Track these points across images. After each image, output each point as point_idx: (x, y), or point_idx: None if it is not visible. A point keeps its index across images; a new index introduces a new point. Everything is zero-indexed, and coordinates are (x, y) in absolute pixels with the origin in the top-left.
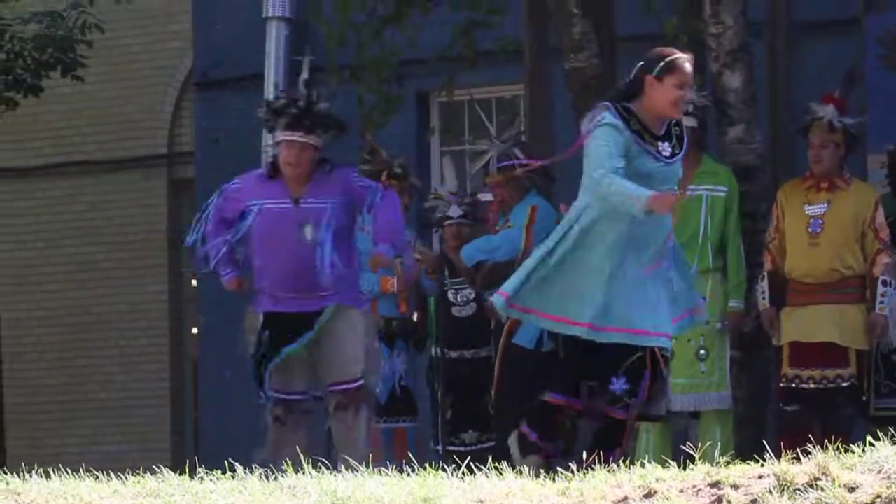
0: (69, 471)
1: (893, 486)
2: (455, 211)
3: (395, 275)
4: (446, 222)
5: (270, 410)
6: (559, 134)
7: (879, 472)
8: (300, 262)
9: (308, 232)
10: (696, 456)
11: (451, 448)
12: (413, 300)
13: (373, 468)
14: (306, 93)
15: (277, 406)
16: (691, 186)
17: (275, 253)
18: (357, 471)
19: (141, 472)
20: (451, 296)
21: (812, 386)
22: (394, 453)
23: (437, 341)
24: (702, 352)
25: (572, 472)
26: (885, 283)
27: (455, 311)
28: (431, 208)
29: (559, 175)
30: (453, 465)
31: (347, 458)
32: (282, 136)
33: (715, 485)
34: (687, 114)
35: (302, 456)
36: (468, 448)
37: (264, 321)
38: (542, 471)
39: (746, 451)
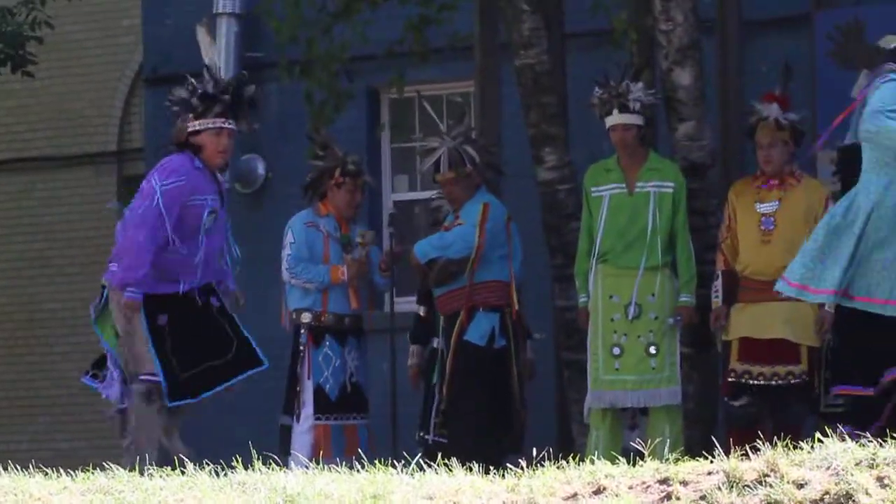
0: (19, 468)
1: (842, 482)
2: None
3: (345, 263)
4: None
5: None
6: (508, 130)
7: (828, 468)
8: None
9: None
10: (646, 452)
11: (438, 440)
12: (365, 297)
13: (323, 464)
14: (236, 79)
15: None
16: (639, 183)
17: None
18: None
19: (91, 469)
20: None
21: (762, 382)
22: (345, 450)
23: (440, 334)
24: (652, 348)
25: (522, 468)
26: None
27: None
28: (436, 207)
29: (506, 171)
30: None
31: None
32: (218, 122)
33: (664, 481)
34: (634, 111)
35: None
36: None
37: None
38: None
39: (696, 447)
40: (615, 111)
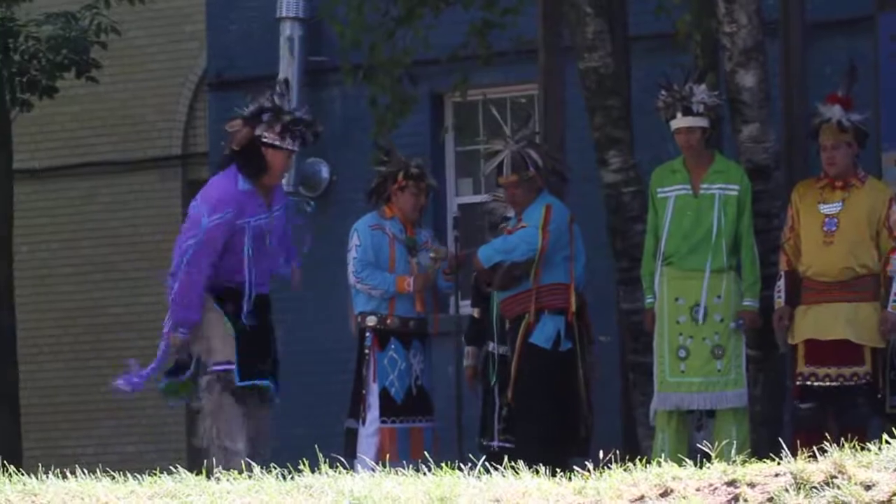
0: (85, 472)
1: None
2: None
3: (411, 274)
4: (503, 223)
5: None
6: (572, 133)
7: None
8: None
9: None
10: (713, 454)
11: (506, 445)
12: (430, 300)
13: (389, 467)
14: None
15: None
16: (704, 185)
17: (258, 259)
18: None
19: (157, 472)
20: None
21: (827, 383)
22: (410, 453)
23: (497, 338)
24: (717, 350)
25: (588, 471)
26: None
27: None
28: (490, 209)
29: (570, 174)
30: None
31: None
32: (291, 145)
33: (731, 483)
34: (698, 114)
35: None
36: None
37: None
38: None
39: (763, 449)
40: (679, 114)
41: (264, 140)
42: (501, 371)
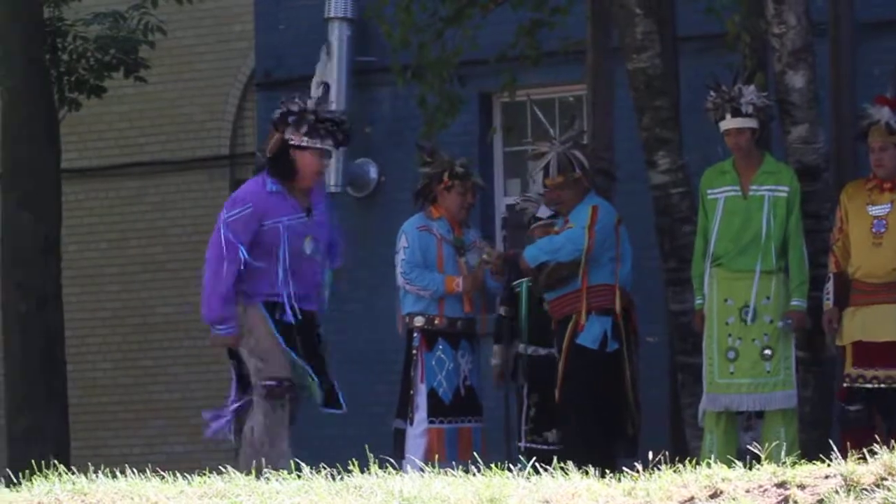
0: (134, 471)
1: None
2: (544, 211)
3: (460, 275)
4: (535, 223)
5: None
6: (620, 134)
7: None
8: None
9: (308, 245)
10: (762, 456)
11: (533, 446)
12: (478, 300)
13: (438, 468)
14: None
15: None
16: (753, 186)
17: (297, 264)
18: None
19: (206, 472)
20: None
21: (875, 385)
22: (459, 453)
23: (526, 338)
24: (766, 351)
25: (638, 471)
26: None
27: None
28: (521, 210)
29: (618, 175)
30: (519, 465)
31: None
32: (327, 144)
33: (781, 485)
34: (747, 115)
35: None
36: (550, 447)
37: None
38: None
39: (811, 450)
40: (728, 115)
41: (291, 143)
42: (530, 371)
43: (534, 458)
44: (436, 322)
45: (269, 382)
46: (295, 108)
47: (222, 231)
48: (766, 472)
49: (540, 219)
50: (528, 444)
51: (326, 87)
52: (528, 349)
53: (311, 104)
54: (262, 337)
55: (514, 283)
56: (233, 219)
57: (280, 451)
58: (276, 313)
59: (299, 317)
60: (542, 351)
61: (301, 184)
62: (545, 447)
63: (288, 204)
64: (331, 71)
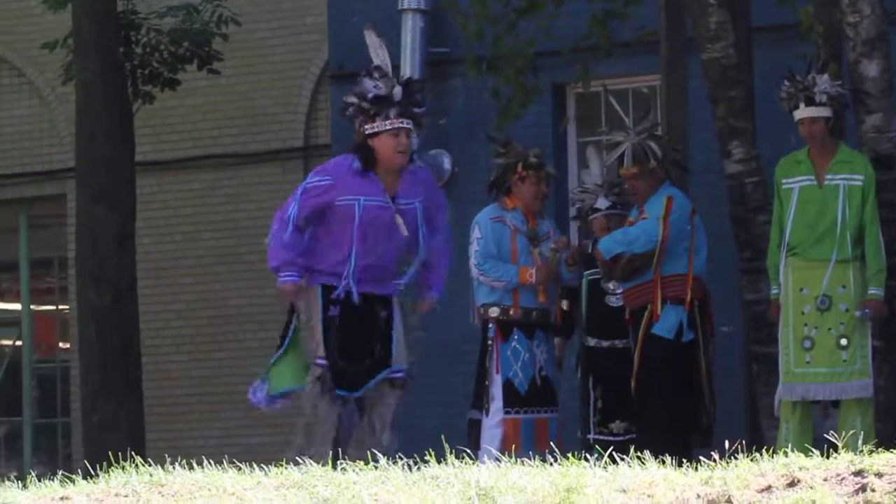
0: (211, 462)
1: None
2: (602, 202)
3: (534, 266)
4: (594, 214)
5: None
6: (694, 124)
7: None
8: (389, 255)
9: (402, 226)
10: (839, 444)
11: (599, 437)
12: (553, 290)
13: (515, 458)
14: (404, 79)
15: None
16: (828, 175)
17: (370, 246)
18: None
19: (284, 463)
20: (605, 285)
21: None
22: (535, 443)
23: (588, 331)
24: (843, 340)
25: (714, 461)
26: None
27: (609, 300)
28: (579, 200)
29: (692, 165)
30: (596, 455)
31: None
32: (395, 123)
33: (859, 473)
34: (821, 104)
35: None
36: (616, 438)
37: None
38: None
39: (887, 439)
40: (802, 104)
41: (366, 131)
42: (593, 364)
43: (611, 448)
44: (511, 313)
45: (320, 361)
46: (351, 99)
47: (298, 193)
48: (843, 461)
49: (599, 210)
50: (596, 436)
51: (377, 70)
52: (591, 341)
53: (369, 86)
54: (314, 318)
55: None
56: (310, 185)
57: (320, 452)
58: (332, 295)
59: (355, 298)
60: (605, 343)
61: (386, 167)
62: (611, 438)
63: (371, 185)
64: (404, 63)
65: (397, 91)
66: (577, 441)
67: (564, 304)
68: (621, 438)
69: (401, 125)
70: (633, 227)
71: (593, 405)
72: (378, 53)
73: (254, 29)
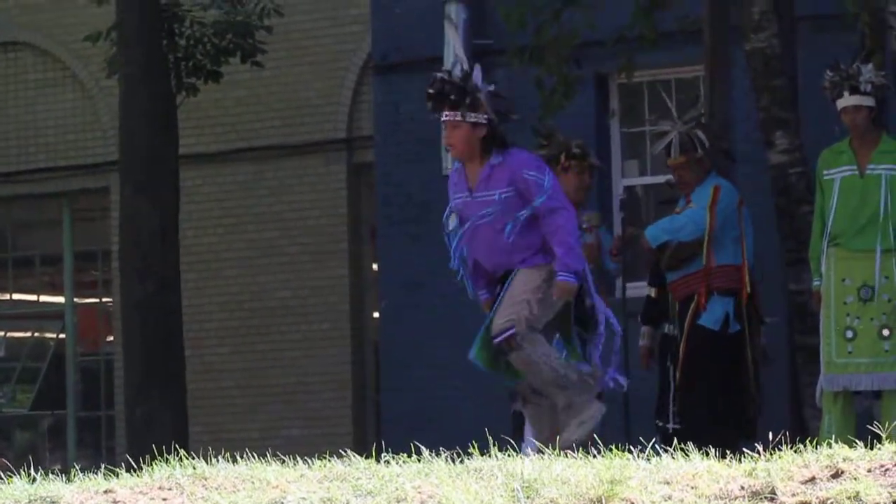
0: (255, 455)
1: None
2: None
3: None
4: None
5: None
6: (738, 114)
7: None
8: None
9: (451, 221)
10: (883, 436)
11: (677, 427)
12: (596, 282)
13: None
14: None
15: None
16: (870, 165)
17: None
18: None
19: (327, 456)
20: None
21: None
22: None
23: (675, 319)
24: (885, 331)
25: (758, 452)
26: None
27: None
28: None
29: (736, 155)
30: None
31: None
32: (447, 116)
33: None
34: (865, 93)
35: None
36: None
37: None
38: None
39: None
40: (846, 93)
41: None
42: (677, 352)
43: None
44: None
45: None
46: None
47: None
48: (887, 452)
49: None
50: (674, 426)
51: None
52: (671, 329)
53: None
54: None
55: None
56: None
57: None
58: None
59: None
60: None
61: (455, 156)
62: None
63: (458, 182)
64: (448, 53)
65: (440, 84)
66: (622, 432)
67: (653, 292)
68: None
69: (446, 118)
70: (680, 216)
71: (673, 394)
72: (458, 48)
73: (297, 20)
